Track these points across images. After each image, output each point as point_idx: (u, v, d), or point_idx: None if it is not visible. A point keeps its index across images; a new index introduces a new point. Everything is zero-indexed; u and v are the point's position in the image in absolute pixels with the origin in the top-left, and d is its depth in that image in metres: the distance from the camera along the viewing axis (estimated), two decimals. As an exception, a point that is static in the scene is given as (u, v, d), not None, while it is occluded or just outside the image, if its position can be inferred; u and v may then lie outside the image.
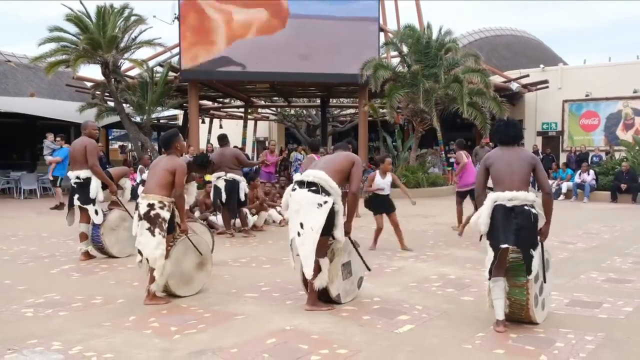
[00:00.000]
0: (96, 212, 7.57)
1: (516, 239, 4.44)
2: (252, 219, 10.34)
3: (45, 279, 6.62)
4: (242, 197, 9.58)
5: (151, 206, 5.42)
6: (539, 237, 4.62)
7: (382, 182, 8.53)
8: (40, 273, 6.95)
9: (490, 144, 21.58)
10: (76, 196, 7.63)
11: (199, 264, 5.81)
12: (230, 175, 9.43)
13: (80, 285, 6.26)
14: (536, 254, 4.51)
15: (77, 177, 7.62)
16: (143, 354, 4.08)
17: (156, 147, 18.46)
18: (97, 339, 4.41)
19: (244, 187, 9.62)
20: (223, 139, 10.06)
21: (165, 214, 5.44)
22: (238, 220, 9.89)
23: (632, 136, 21.20)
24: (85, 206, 7.58)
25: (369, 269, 5.73)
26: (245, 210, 9.89)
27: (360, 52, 17.83)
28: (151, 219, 5.39)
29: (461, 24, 77.38)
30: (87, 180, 7.54)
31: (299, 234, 5.06)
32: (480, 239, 4.75)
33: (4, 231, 10.35)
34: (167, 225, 5.44)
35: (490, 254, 4.62)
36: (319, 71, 18.37)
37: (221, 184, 9.49)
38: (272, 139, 31.23)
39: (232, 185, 9.45)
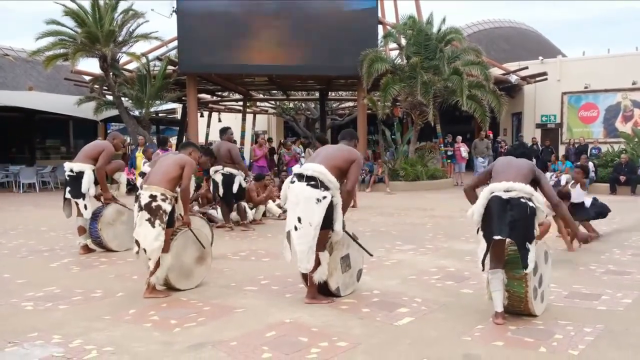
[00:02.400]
0: (85, 207, 7.57)
1: (510, 231, 4.43)
2: (250, 213, 10.35)
3: (44, 272, 6.64)
4: (235, 190, 9.44)
5: (153, 197, 5.43)
6: (536, 231, 4.62)
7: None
8: (40, 267, 6.96)
9: (491, 136, 21.67)
10: (68, 189, 7.64)
11: (198, 258, 5.82)
12: (227, 169, 9.39)
13: (80, 279, 6.27)
14: (532, 247, 4.49)
15: (71, 170, 7.63)
16: (143, 347, 4.09)
17: (154, 140, 18.44)
18: (97, 332, 4.41)
19: (239, 180, 9.51)
20: (223, 132, 10.02)
21: (167, 207, 5.45)
22: (234, 214, 9.85)
23: (631, 128, 21.18)
24: (75, 200, 7.59)
25: (371, 255, 5.73)
26: (244, 204, 9.86)
27: (359, 44, 17.78)
28: (152, 210, 5.39)
29: (459, 18, 77.02)
30: (80, 174, 7.54)
31: (296, 228, 5.06)
32: (478, 232, 4.75)
33: (3, 225, 10.37)
34: (167, 218, 5.45)
35: (482, 245, 4.64)
36: (317, 63, 18.33)
37: (218, 178, 9.47)
38: (262, 131, 31.24)
39: (228, 179, 9.40)
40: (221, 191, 9.43)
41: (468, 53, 17.73)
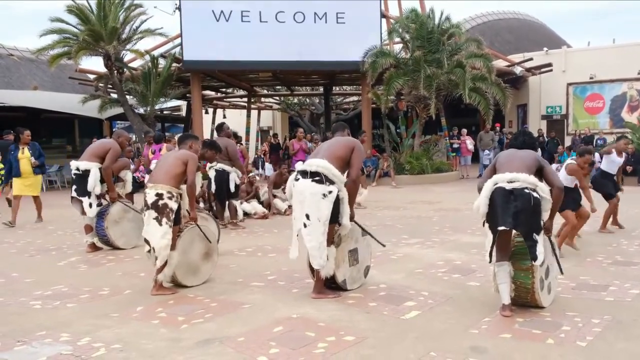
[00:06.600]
0: (90, 205, 7.59)
1: (514, 221, 4.42)
2: (252, 207, 10.43)
3: (52, 271, 6.67)
4: (232, 189, 9.36)
5: (159, 196, 5.44)
6: (542, 223, 4.60)
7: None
8: (48, 265, 7.00)
9: (498, 128, 21.61)
10: (74, 187, 7.67)
11: (205, 254, 5.84)
12: (220, 166, 9.24)
13: (87, 277, 6.30)
14: (540, 238, 4.49)
15: (77, 168, 7.66)
16: (151, 344, 4.11)
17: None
18: (105, 329, 4.43)
19: (234, 178, 9.37)
20: (219, 129, 9.97)
21: (173, 205, 5.46)
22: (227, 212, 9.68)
23: (637, 118, 21.08)
24: (80, 198, 7.61)
25: (383, 245, 5.77)
26: (235, 202, 9.70)
27: (362, 38, 17.73)
28: (159, 209, 5.40)
29: (463, 10, 76.66)
30: (86, 173, 7.57)
31: (305, 225, 5.06)
32: (484, 224, 4.74)
33: (11, 224, 10.40)
34: (174, 216, 5.46)
35: (489, 237, 4.63)
36: (321, 59, 18.30)
37: (211, 174, 9.36)
38: (267, 127, 31.41)
39: (221, 176, 9.27)
40: (213, 187, 9.37)
41: (470, 45, 17.66)
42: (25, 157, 10.53)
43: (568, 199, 6.63)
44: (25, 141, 10.68)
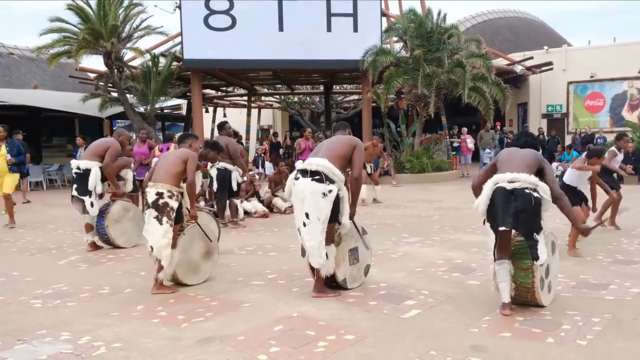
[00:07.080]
0: (91, 205, 7.58)
1: (514, 222, 4.42)
2: (252, 205, 10.42)
3: (52, 270, 6.67)
4: (235, 187, 9.37)
5: (160, 195, 5.44)
6: (542, 222, 4.59)
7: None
8: (48, 264, 7.00)
9: (499, 127, 21.59)
10: (74, 186, 7.66)
11: (205, 253, 5.84)
12: (221, 164, 9.21)
13: (88, 276, 6.30)
14: (541, 238, 4.48)
15: (78, 167, 7.65)
16: (151, 342, 4.11)
17: (160, 137, 18.45)
18: (105, 328, 4.44)
19: (236, 176, 9.36)
20: (221, 127, 9.98)
21: (174, 204, 5.46)
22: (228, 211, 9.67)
23: (637, 117, 21.07)
24: (81, 197, 7.61)
25: (367, 248, 5.65)
26: (236, 201, 9.72)
27: (363, 37, 17.71)
28: (159, 208, 5.41)
29: (465, 7, 76.53)
30: (87, 172, 7.56)
31: (304, 224, 5.06)
32: (484, 223, 4.74)
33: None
34: (174, 214, 5.46)
35: (492, 236, 4.64)
36: (321, 57, 18.29)
37: (213, 173, 9.34)
38: (268, 125, 31.41)
39: (223, 174, 9.24)
40: (215, 186, 9.36)
41: (470, 45, 17.67)
42: (1, 154, 10.15)
43: (570, 196, 6.71)
44: (0, 137, 10.23)
